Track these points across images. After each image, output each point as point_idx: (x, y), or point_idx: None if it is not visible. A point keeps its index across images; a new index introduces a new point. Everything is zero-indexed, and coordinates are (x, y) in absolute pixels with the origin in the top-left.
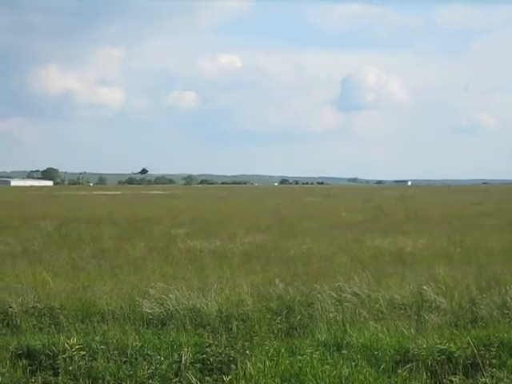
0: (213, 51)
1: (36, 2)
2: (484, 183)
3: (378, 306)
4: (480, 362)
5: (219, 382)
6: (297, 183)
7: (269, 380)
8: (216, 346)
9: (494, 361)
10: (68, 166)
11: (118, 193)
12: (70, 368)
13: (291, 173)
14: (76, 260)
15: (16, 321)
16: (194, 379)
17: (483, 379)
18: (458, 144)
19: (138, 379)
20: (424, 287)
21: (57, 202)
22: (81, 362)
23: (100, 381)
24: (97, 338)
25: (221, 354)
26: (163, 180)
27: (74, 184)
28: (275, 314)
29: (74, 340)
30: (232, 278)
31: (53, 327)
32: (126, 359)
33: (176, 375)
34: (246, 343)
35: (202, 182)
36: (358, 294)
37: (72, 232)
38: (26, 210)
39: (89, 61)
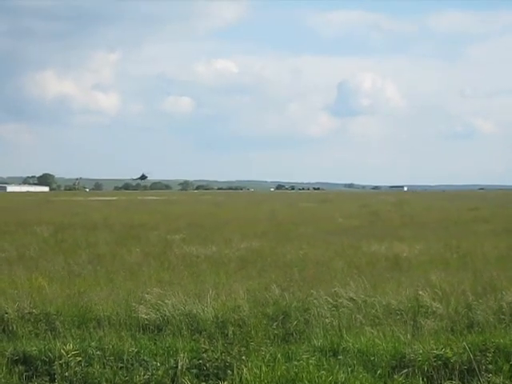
0: (209, 57)
1: (33, 6)
2: (480, 189)
3: (374, 311)
4: (476, 367)
5: None
6: (293, 189)
7: None
8: (212, 351)
9: (490, 366)
10: (64, 171)
11: (114, 198)
12: (66, 374)
13: (287, 178)
14: (72, 266)
15: (12, 327)
16: None
17: None
18: (454, 149)
19: None
20: (420, 293)
21: (53, 208)
22: (77, 368)
23: None
24: (93, 344)
25: (217, 359)
26: (159, 185)
27: (69, 190)
28: (271, 320)
29: (70, 346)
30: (228, 283)
31: (49, 333)
32: (122, 365)
33: (172, 381)
34: (242, 349)
35: (198, 188)
36: (354, 300)
37: (68, 238)
38: (22, 215)
39: (85, 66)
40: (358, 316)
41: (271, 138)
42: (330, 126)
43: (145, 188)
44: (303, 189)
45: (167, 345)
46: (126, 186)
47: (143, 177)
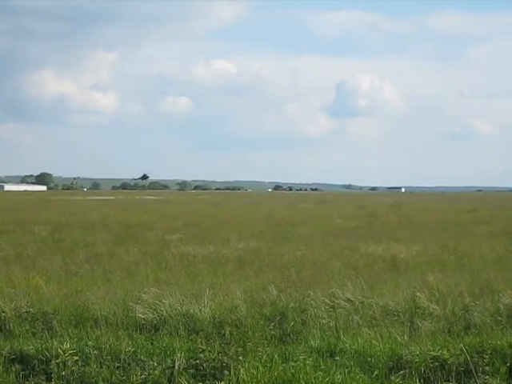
0: (208, 57)
1: (32, 6)
2: (478, 190)
3: (371, 312)
4: (473, 368)
5: None
6: (290, 189)
7: None
8: (209, 351)
9: (487, 368)
10: (62, 170)
11: (112, 198)
12: (63, 373)
13: (285, 179)
14: (69, 265)
15: (9, 325)
16: None
17: None
18: (453, 151)
19: None
20: (417, 294)
21: (50, 207)
22: (74, 367)
23: None
24: (90, 343)
25: (214, 359)
26: (157, 185)
27: (67, 189)
28: (268, 320)
29: (67, 345)
30: (225, 283)
31: (46, 332)
32: (119, 364)
33: (169, 381)
34: (239, 349)
35: (195, 188)
36: (351, 301)
37: (66, 237)
38: (20, 214)
39: (84, 66)
40: (355, 317)
41: (269, 139)
42: (328, 127)
43: (143, 188)
44: (301, 189)
45: (164, 345)
46: (124, 186)
47: (145, 177)
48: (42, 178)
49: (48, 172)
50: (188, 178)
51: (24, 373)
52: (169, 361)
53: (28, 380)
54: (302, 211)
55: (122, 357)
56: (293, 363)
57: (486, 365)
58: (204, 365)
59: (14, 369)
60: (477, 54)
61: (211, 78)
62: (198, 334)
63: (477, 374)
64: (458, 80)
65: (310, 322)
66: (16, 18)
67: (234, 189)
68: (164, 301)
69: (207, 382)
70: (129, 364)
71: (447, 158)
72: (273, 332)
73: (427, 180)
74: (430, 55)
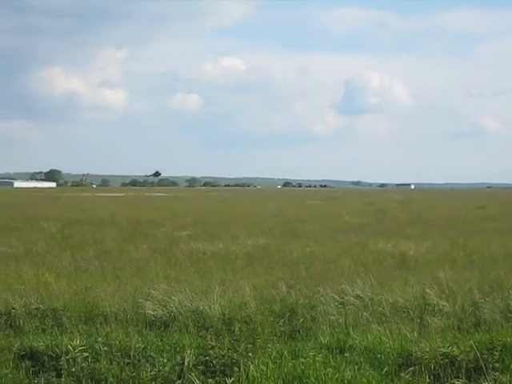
0: (217, 54)
1: (40, 3)
2: (488, 187)
3: (381, 309)
4: (483, 365)
5: None
6: (300, 186)
7: (271, 382)
8: (219, 348)
9: (496, 365)
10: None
11: (121, 195)
12: (73, 369)
13: (294, 176)
14: (79, 261)
15: (19, 322)
16: (196, 381)
17: (486, 383)
18: (462, 148)
19: (141, 381)
20: (427, 291)
21: (60, 204)
22: (84, 364)
23: (103, 382)
24: (100, 340)
25: (224, 356)
26: (166, 182)
27: (76, 186)
28: (278, 317)
29: (76, 341)
30: (235, 280)
31: (56, 329)
32: (128, 361)
33: (179, 377)
34: (249, 346)
35: (205, 185)
36: (361, 297)
37: (75, 233)
38: (29, 211)
39: (93, 63)
40: (364, 314)
41: (278, 136)
42: (337, 124)
43: (152, 184)
44: (310, 186)
45: (174, 341)
46: (133, 183)
47: (157, 173)
48: (51, 175)
49: (57, 169)
50: (197, 175)
51: (34, 369)
52: (178, 357)
53: (38, 376)
54: (311, 208)
55: (131, 353)
56: (302, 360)
57: (496, 361)
58: (214, 361)
59: (24, 365)
60: (485, 52)
61: (220, 76)
62: (207, 330)
63: (487, 371)
64: (467, 77)
65: (319, 318)
66: (24, 15)
67: (243, 185)
68: (173, 297)
69: (217, 378)
70: (139, 360)
71: (456, 155)
72: (282, 328)
73: (436, 177)
74: (439, 53)
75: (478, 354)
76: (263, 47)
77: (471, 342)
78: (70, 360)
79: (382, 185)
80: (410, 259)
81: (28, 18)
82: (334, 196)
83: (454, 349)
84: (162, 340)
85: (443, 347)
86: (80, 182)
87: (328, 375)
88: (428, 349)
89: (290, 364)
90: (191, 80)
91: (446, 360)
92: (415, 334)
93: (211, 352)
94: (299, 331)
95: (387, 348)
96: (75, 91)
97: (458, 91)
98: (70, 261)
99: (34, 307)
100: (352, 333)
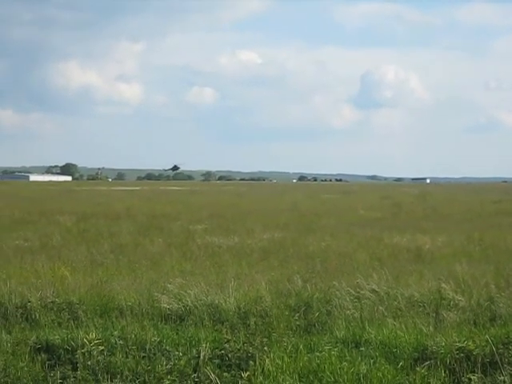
0: (233, 48)
1: None
2: (504, 181)
3: (396, 303)
4: (499, 360)
5: (237, 378)
6: (315, 180)
7: (287, 376)
8: (234, 342)
9: None
10: (87, 161)
11: (137, 188)
12: (89, 363)
13: (310, 170)
14: (94, 255)
15: (35, 315)
16: (212, 375)
17: (502, 377)
18: (478, 142)
19: (157, 374)
20: (443, 285)
21: (75, 197)
22: (99, 357)
23: (118, 376)
24: (115, 333)
25: (239, 350)
26: (182, 176)
27: (92, 179)
28: (293, 311)
29: (92, 335)
30: (250, 274)
31: (71, 322)
32: (144, 354)
33: (194, 371)
34: (265, 339)
35: (220, 179)
36: (376, 292)
37: (90, 227)
38: (45, 205)
39: (109, 56)
40: (380, 308)
41: (294, 130)
42: (353, 118)
43: (167, 178)
44: (325, 180)
45: (189, 335)
46: (149, 177)
47: (175, 168)
48: (67, 169)
49: (73, 162)
50: (213, 169)
51: (50, 362)
52: (194, 351)
53: (54, 370)
54: (326, 202)
55: (147, 347)
56: (318, 354)
57: None
58: (229, 355)
59: (39, 358)
60: (502, 46)
61: (236, 69)
62: (223, 324)
63: (502, 366)
64: (483, 71)
65: (335, 312)
66: (40, 8)
67: (258, 179)
68: (189, 291)
69: (232, 372)
70: (154, 354)
71: (473, 149)
72: (298, 322)
73: (452, 171)
74: (456, 46)
75: (494, 349)
76: (279, 40)
77: (487, 336)
78: (86, 353)
79: (398, 179)
80: (426, 253)
81: (45, 11)
82: (349, 190)
83: (470, 343)
84: (177, 334)
85: (459, 342)
86: (96, 176)
87: (343, 369)
88: (444, 343)
89: (306, 358)
90: (207, 73)
91: (462, 354)
92: (431, 329)
93: (227, 346)
94: (315, 325)
95: (403, 342)
96: (91, 84)
97: (474, 85)
98: (85, 254)
99: (49, 301)
100: (367, 327)
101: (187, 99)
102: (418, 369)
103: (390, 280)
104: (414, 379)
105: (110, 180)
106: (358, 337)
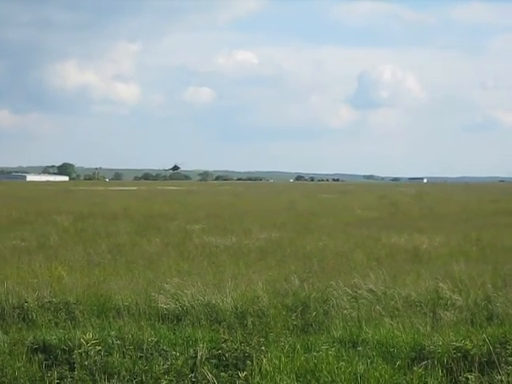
0: (230, 47)
1: None
2: (501, 181)
3: (393, 303)
4: (496, 359)
5: (235, 377)
6: (312, 180)
7: (284, 376)
8: (231, 341)
9: (510, 358)
10: (84, 161)
11: (134, 188)
12: (86, 363)
13: (307, 169)
14: (92, 255)
15: (32, 315)
16: (209, 375)
17: (499, 377)
18: (475, 141)
19: (154, 374)
20: (440, 285)
21: (72, 197)
22: (96, 357)
23: (115, 376)
24: (112, 333)
25: (236, 349)
26: (179, 176)
27: (89, 179)
28: (290, 311)
29: (89, 335)
30: (247, 274)
31: (68, 322)
32: (141, 354)
33: (191, 371)
34: (262, 339)
35: (217, 178)
36: (373, 291)
37: (88, 227)
38: (42, 205)
39: (106, 56)
40: (377, 307)
41: (291, 130)
42: (350, 118)
43: (164, 178)
44: (323, 180)
45: (187, 335)
46: (146, 176)
47: (175, 168)
48: (64, 169)
49: (70, 162)
50: (210, 169)
51: (47, 362)
52: (191, 351)
53: (51, 370)
54: (323, 202)
55: (144, 347)
56: (315, 353)
57: (509, 355)
58: (226, 355)
59: (37, 358)
60: (498, 45)
61: (233, 69)
62: (220, 324)
63: (500, 365)
64: (480, 71)
65: (332, 312)
66: (38, 8)
67: (255, 179)
68: (186, 291)
69: (229, 371)
70: (151, 354)
71: (469, 149)
72: (295, 322)
73: (450, 170)
74: (452, 46)
75: (491, 348)
76: (276, 40)
77: (484, 335)
78: (83, 353)
79: (395, 179)
80: (423, 253)
81: (43, 11)
82: (346, 190)
83: (467, 343)
84: (174, 333)
85: (456, 341)
86: (93, 176)
87: (341, 369)
88: (441, 343)
89: (303, 358)
90: (204, 73)
91: (459, 354)
92: (428, 328)
93: (224, 345)
94: (312, 325)
95: (400, 342)
96: (88, 85)
97: (471, 84)
98: (82, 254)
99: (46, 301)
100: (365, 327)
101: (184, 99)
102: (415, 368)
103: (388, 280)
104: (412, 379)
105: (107, 180)
106: (355, 336)
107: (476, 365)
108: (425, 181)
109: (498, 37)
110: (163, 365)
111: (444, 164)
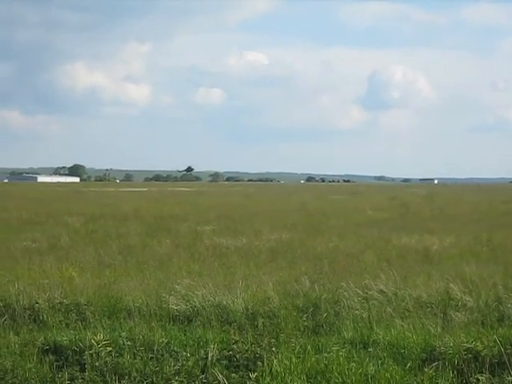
0: (240, 48)
1: None
2: (511, 182)
3: (404, 304)
4: (507, 360)
5: (245, 378)
6: (323, 181)
7: (295, 377)
8: (242, 342)
9: None
10: (94, 162)
11: (145, 189)
12: (97, 364)
13: (317, 170)
14: (102, 256)
15: (43, 316)
16: (220, 376)
17: (510, 378)
18: (486, 142)
19: (165, 375)
20: (451, 286)
21: (83, 199)
22: (107, 358)
23: (126, 377)
24: (123, 334)
25: (247, 350)
26: (189, 177)
27: (100, 180)
28: (301, 312)
29: (100, 336)
30: (258, 275)
31: (79, 323)
32: (152, 355)
33: (202, 372)
34: (272, 340)
35: (228, 179)
36: (384, 292)
37: (98, 228)
38: (53, 206)
39: (116, 57)
40: (388, 309)
41: (302, 131)
42: (360, 119)
43: (175, 179)
44: (333, 181)
45: (197, 336)
46: (157, 178)
47: (189, 169)
48: (74, 170)
49: (81, 164)
50: (220, 170)
51: (58, 363)
52: (202, 352)
53: (62, 371)
54: (334, 202)
55: (155, 348)
56: (326, 354)
57: None
58: (237, 356)
59: (47, 359)
60: (509, 46)
61: (243, 70)
62: (230, 325)
63: (511, 366)
64: (491, 71)
65: (343, 313)
66: (47, 9)
67: (266, 180)
68: (197, 292)
69: (240, 372)
70: (162, 355)
71: (480, 150)
72: (306, 323)
73: (460, 171)
74: (462, 46)
75: (502, 350)
76: (286, 41)
77: (495, 337)
78: (94, 354)
79: (406, 180)
80: (434, 254)
81: (52, 13)
82: (357, 191)
83: (478, 344)
84: (185, 335)
85: (467, 342)
86: (103, 177)
87: (351, 370)
88: (452, 344)
89: (314, 359)
90: (214, 74)
91: (470, 355)
92: (439, 329)
93: (234, 347)
94: (322, 326)
95: (411, 343)
96: (99, 86)
97: (481, 85)
98: (93, 255)
99: (57, 302)
100: (375, 328)
101: (194, 100)
102: (425, 369)
103: (398, 281)
104: (422, 380)
105: (118, 181)
106: (365, 337)
107: (487, 366)
108: (435, 182)
109: (509, 38)
110: (174, 366)
111: (455, 165)
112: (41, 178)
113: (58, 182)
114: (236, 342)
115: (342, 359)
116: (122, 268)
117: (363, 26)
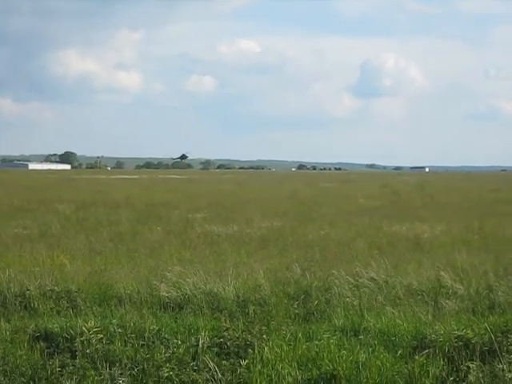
0: (232, 36)
1: None
2: (502, 170)
3: (395, 291)
4: (497, 348)
5: (236, 366)
6: (314, 169)
7: (286, 364)
8: (233, 330)
9: (511, 347)
10: (86, 149)
11: (136, 177)
12: (88, 351)
13: (309, 158)
14: (93, 243)
15: (34, 304)
16: (211, 363)
17: (500, 365)
18: (477, 130)
19: (155, 363)
20: (441, 273)
21: (74, 186)
22: (98, 345)
23: (117, 364)
24: (114, 322)
25: (238, 338)
26: (181, 164)
27: (91, 168)
28: (292, 299)
29: (91, 323)
30: (249, 262)
31: (70, 310)
32: (143, 343)
33: (193, 359)
34: (263, 328)
35: (219, 167)
36: (375, 280)
37: (90, 215)
38: (44, 193)
39: (108, 45)
40: (379, 296)
41: (293, 118)
42: (352, 107)
43: (166, 167)
44: (325, 169)
45: (188, 323)
46: (148, 165)
47: (183, 156)
48: (65, 157)
49: (72, 151)
50: (212, 157)
51: (49, 350)
52: (193, 339)
53: (53, 358)
54: (325, 190)
55: (146, 335)
56: (317, 342)
57: (511, 344)
58: (228, 343)
59: (38, 346)
60: (502, 35)
61: (235, 58)
62: (221, 312)
63: (501, 354)
64: (483, 60)
65: (333, 300)
66: None
67: (257, 168)
68: (188, 279)
69: (231, 360)
70: (153, 342)
71: (471, 138)
72: (297, 311)
73: (451, 159)
74: (455, 35)
75: (493, 337)
76: (279, 29)
77: (485, 324)
78: (85, 341)
79: (397, 168)
80: (425, 242)
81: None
82: (348, 179)
83: (469, 331)
84: (176, 322)
85: (457, 330)
86: (94, 165)
87: (342, 357)
88: (442, 331)
89: (304, 346)
90: (206, 62)
91: (461, 343)
92: (429, 317)
93: (225, 334)
94: (313, 313)
95: (401, 331)
96: (90, 73)
97: (474, 73)
98: (84, 243)
99: (48, 289)
100: (366, 315)
101: (186, 88)
102: (416, 357)
103: (389, 268)
104: (413, 367)
105: (109, 168)
106: (356, 325)
107: (477, 354)
108: (427, 170)
109: (501, 26)
110: (165, 353)
111: (446, 153)
112: (32, 166)
113: (49, 170)
114: (227, 329)
115: (332, 347)
116: (112, 255)
117: (357, 14)
